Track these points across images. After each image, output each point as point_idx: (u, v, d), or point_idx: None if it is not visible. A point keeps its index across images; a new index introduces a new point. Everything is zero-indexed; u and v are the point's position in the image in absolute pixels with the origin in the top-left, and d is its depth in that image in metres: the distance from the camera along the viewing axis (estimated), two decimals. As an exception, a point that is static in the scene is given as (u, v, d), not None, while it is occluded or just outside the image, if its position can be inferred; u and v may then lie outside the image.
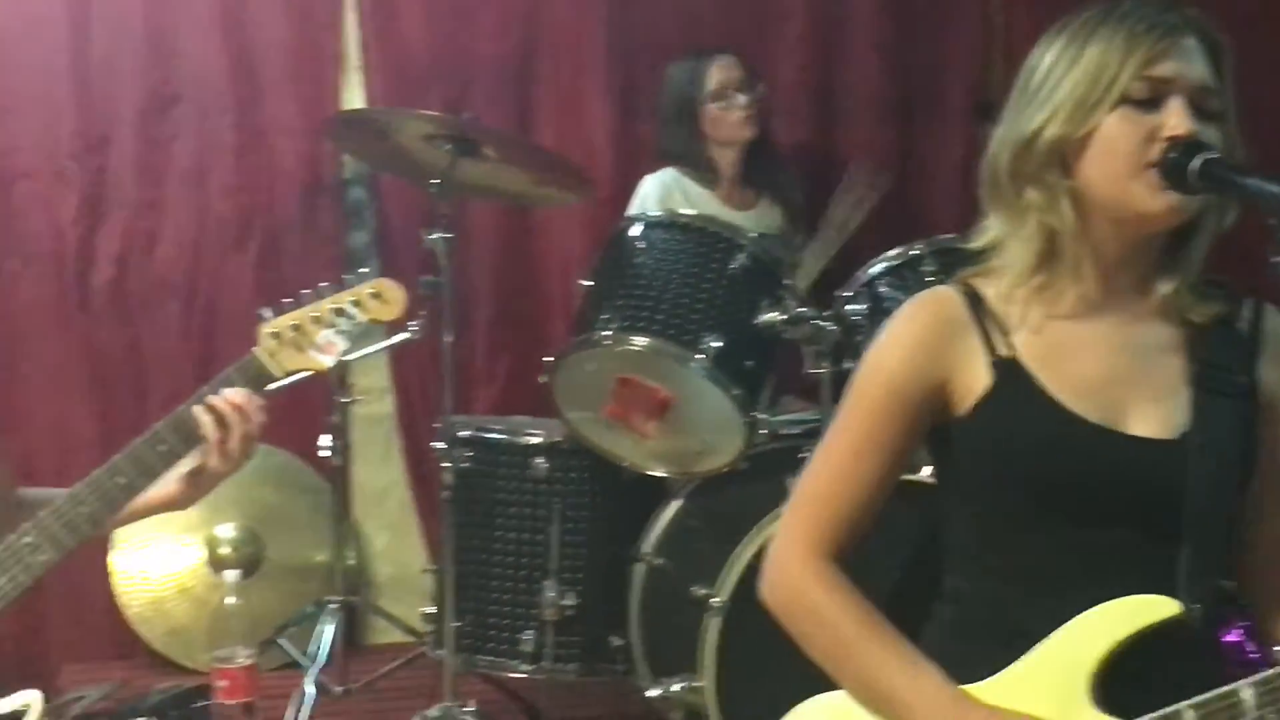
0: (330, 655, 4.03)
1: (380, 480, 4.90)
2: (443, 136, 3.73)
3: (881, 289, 3.47)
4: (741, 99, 4.38)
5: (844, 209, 4.29)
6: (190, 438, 2.46)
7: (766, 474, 3.54)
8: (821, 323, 3.47)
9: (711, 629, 3.26)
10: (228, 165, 4.66)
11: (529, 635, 3.79)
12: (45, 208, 4.55)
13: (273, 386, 2.57)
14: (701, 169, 4.40)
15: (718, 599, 3.26)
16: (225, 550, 4.53)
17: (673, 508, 3.72)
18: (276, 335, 2.57)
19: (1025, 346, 1.89)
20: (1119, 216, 1.84)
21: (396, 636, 4.47)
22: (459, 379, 3.89)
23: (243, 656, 2.85)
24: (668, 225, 3.66)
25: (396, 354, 4.59)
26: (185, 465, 2.51)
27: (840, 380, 3.33)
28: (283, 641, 4.20)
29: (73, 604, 4.52)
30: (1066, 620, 1.80)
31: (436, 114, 4.04)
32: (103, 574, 4.49)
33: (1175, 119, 1.80)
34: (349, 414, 4.10)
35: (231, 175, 4.66)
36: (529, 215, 4.85)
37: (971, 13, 5.09)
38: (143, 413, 4.30)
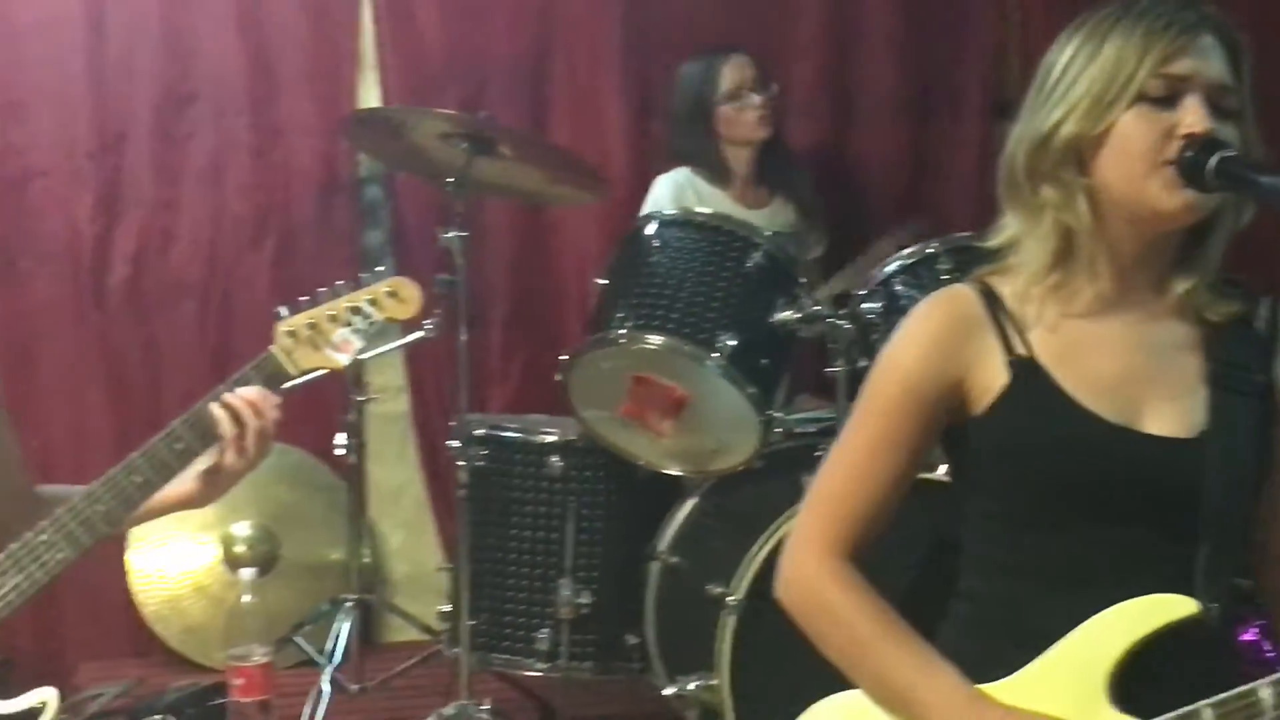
0: (346, 653, 4.05)
1: (395, 478, 4.90)
2: (458, 135, 3.73)
3: (897, 287, 3.47)
4: (756, 99, 4.37)
5: (884, 249, 4.12)
6: (207, 435, 2.46)
7: (782, 472, 3.54)
8: (837, 321, 3.47)
9: (727, 627, 3.25)
10: (244, 164, 4.66)
11: (544, 633, 3.79)
12: (61, 206, 4.56)
13: (289, 385, 2.58)
14: (714, 169, 4.39)
15: (733, 597, 3.26)
16: (241, 548, 4.54)
17: (688, 506, 3.72)
18: (293, 333, 2.58)
19: (1042, 345, 1.88)
20: (1135, 214, 1.84)
21: (412, 634, 4.48)
22: (474, 377, 3.89)
23: (258, 654, 2.84)
24: (683, 224, 3.65)
25: (412, 352, 4.60)
26: (202, 463, 2.51)
27: (856, 378, 3.33)
28: (298, 639, 4.21)
29: (89, 602, 4.53)
30: (1082, 620, 1.79)
31: (452, 113, 4.03)
32: (119, 572, 4.50)
33: (1192, 116, 1.79)
34: (364, 412, 4.11)
35: (247, 174, 4.67)
36: (544, 214, 4.85)
37: (987, 10, 5.08)
38: (159, 411, 4.31)
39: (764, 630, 3.16)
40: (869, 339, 3.44)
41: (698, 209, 3.90)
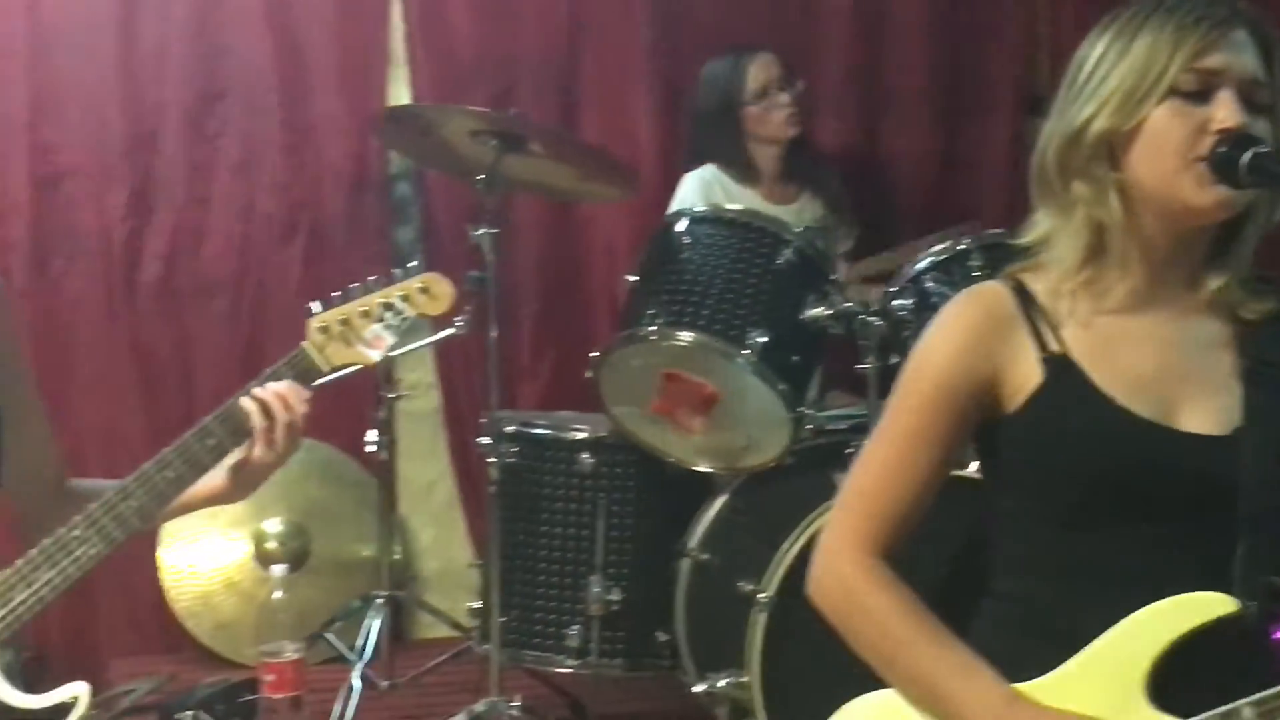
0: (377, 650, 4.05)
1: (426, 475, 4.91)
2: (488, 132, 3.74)
3: (928, 284, 3.45)
4: (784, 97, 4.36)
5: (929, 243, 4.01)
6: (238, 431, 2.47)
7: (813, 469, 3.53)
8: (868, 318, 3.46)
9: (757, 624, 3.25)
10: (275, 161, 4.68)
11: (575, 630, 3.79)
12: (93, 204, 4.58)
13: (320, 381, 2.58)
14: (741, 167, 4.38)
15: (764, 594, 3.25)
16: (272, 545, 4.55)
17: (718, 503, 3.71)
18: (325, 329, 2.58)
19: (1075, 342, 1.87)
20: (1167, 210, 1.83)
21: (443, 631, 4.49)
22: (504, 374, 3.90)
23: (290, 651, 2.84)
24: (713, 220, 3.65)
25: (442, 349, 4.60)
26: (233, 459, 2.52)
27: (887, 375, 3.32)
28: (329, 636, 4.21)
29: (121, 598, 4.55)
30: (1118, 618, 1.78)
31: (482, 110, 4.04)
32: (151, 568, 4.52)
33: (1225, 111, 1.78)
34: (395, 409, 4.12)
35: (278, 171, 4.68)
36: (574, 211, 4.85)
37: (1018, 6, 5.06)
38: (190, 408, 4.32)
39: (795, 628, 3.15)
40: (900, 335, 3.42)
41: (728, 205, 3.90)
